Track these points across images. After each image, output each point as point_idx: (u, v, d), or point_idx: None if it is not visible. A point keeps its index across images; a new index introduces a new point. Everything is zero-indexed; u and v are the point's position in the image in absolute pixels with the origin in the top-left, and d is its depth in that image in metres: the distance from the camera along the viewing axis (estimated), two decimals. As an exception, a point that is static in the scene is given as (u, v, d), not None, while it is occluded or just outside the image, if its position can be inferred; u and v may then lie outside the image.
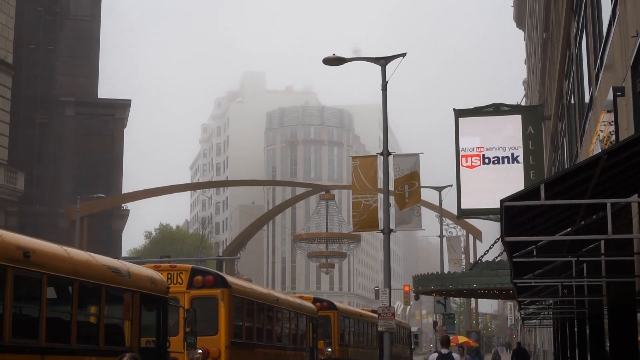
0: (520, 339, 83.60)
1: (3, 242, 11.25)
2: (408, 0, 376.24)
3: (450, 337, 56.80)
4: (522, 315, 38.73)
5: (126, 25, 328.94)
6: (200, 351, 18.26)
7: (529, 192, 9.63)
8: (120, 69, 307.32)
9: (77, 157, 63.58)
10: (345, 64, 28.24)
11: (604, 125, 12.81)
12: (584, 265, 16.74)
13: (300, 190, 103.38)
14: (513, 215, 10.18)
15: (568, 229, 12.51)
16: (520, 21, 61.63)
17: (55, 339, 12.20)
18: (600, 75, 14.27)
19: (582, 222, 12.23)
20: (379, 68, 28.10)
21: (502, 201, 9.30)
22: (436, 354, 21.14)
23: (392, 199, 29.29)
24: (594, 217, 12.62)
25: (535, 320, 49.23)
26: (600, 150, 12.17)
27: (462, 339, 57.53)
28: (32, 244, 12.06)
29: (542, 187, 9.04)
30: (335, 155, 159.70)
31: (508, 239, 10.31)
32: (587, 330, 21.35)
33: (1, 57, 47.89)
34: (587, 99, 17.17)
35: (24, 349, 11.50)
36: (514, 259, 12.61)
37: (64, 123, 63.83)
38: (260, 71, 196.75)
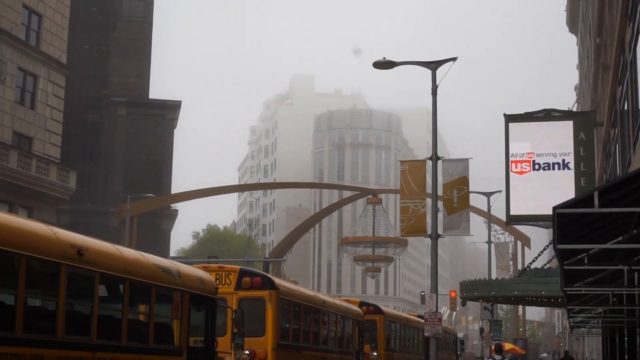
0: (567, 348, 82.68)
1: (57, 240, 11.44)
2: (457, 4, 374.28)
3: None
4: (570, 324, 38.30)
5: (177, 27, 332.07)
6: (247, 352, 18.38)
7: (582, 200, 9.56)
8: (171, 70, 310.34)
9: (128, 156, 64.35)
10: (395, 68, 28.21)
11: (659, 132, 12.64)
12: (636, 274, 16.53)
13: (347, 194, 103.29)
14: (565, 222, 10.11)
15: (620, 237, 12.37)
16: (573, 26, 60.99)
17: (106, 336, 12.37)
18: (656, 82, 14.09)
19: (635, 231, 12.09)
20: (428, 72, 28.03)
21: (554, 208, 9.25)
22: None
23: (440, 204, 29.18)
24: (647, 225, 12.46)
25: (583, 329, 48.63)
26: (654, 158, 12.01)
27: (508, 346, 57.05)
28: (85, 242, 12.23)
29: (595, 194, 8.97)
30: (382, 159, 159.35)
31: (560, 246, 10.25)
32: (638, 340, 21.06)
33: (55, 57, 48.64)
34: (641, 106, 16.95)
35: (76, 346, 11.67)
36: (565, 267, 12.50)
37: (115, 123, 64.67)
38: (309, 74, 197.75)
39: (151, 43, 70.32)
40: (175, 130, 68.05)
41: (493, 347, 52.32)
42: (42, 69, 47.46)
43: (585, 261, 12.56)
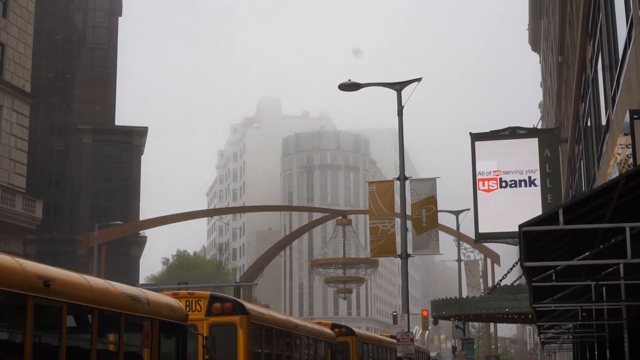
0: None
1: (23, 272, 11.31)
2: (421, 24, 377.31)
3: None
4: (541, 340, 38.46)
5: (142, 53, 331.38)
6: (219, 378, 18.23)
7: (547, 217, 9.63)
8: (136, 96, 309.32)
9: (95, 184, 63.95)
10: (361, 89, 28.36)
11: (622, 148, 12.80)
12: (604, 289, 16.65)
13: (317, 216, 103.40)
14: (532, 239, 10.18)
15: (587, 253, 12.47)
16: (535, 44, 61.70)
17: (75, 368, 12.22)
18: (617, 97, 14.28)
19: (601, 246, 12.20)
20: (394, 93, 28.20)
21: (520, 226, 9.31)
22: None
23: (409, 224, 29.27)
24: (612, 240, 12.57)
25: (555, 345, 48.84)
26: (617, 173, 12.16)
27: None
28: (52, 272, 12.11)
29: (560, 211, 9.04)
30: (351, 180, 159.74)
31: (527, 264, 10.31)
32: (608, 354, 21.19)
33: (20, 86, 48.31)
34: (604, 122, 17.17)
35: (45, 378, 11.52)
36: (533, 284, 12.58)
37: (81, 150, 64.28)
38: (275, 97, 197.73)
39: (116, 70, 70.17)
40: (142, 156, 67.79)
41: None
42: (5, 99, 47.09)
43: (553, 277, 12.64)
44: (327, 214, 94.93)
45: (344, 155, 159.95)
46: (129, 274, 58.92)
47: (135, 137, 66.35)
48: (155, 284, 67.90)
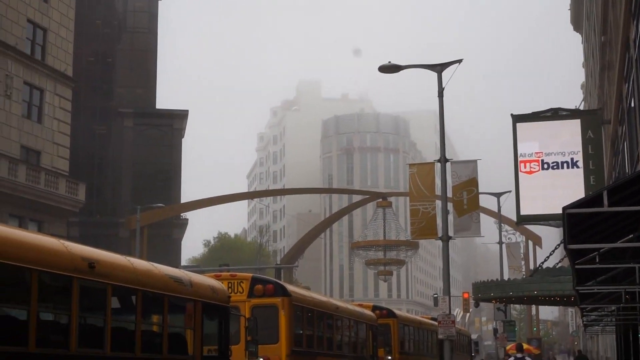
0: (582, 346, 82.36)
1: (68, 254, 11.46)
2: (463, 6, 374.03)
3: (511, 345, 56.33)
4: (584, 322, 38.19)
5: (182, 36, 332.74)
6: (261, 359, 18.37)
7: (591, 199, 9.54)
8: (177, 79, 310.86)
9: (136, 167, 64.44)
10: (401, 72, 28.20)
11: (667, 129, 12.62)
12: (648, 271, 16.47)
13: (357, 198, 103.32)
14: (575, 222, 10.10)
15: (631, 235, 12.35)
16: (577, 24, 60.89)
17: (119, 348, 12.36)
18: (662, 78, 14.06)
19: (646, 228, 12.07)
20: (434, 75, 28.02)
21: (564, 208, 9.24)
22: (512, 358, 25.01)
23: (450, 206, 29.15)
24: (657, 222, 12.43)
25: (597, 327, 48.50)
26: (663, 155, 11.99)
27: (523, 346, 56.83)
28: (96, 254, 12.25)
29: (605, 193, 8.96)
30: (391, 162, 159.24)
31: (571, 246, 10.24)
32: (652, 338, 20.99)
33: (61, 70, 48.81)
34: (648, 103, 16.92)
35: (90, 359, 11.69)
36: (577, 266, 12.49)
37: (123, 134, 64.80)
38: (315, 79, 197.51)
39: (156, 53, 70.50)
40: (183, 139, 68.14)
41: (512, 346, 52.08)
42: (48, 83, 47.62)
43: (597, 260, 12.54)
44: (367, 196, 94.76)
45: (383, 138, 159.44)
46: (171, 256, 59.42)
47: (176, 120, 66.69)
48: (197, 266, 68.52)
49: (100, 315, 12.19)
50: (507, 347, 55.49)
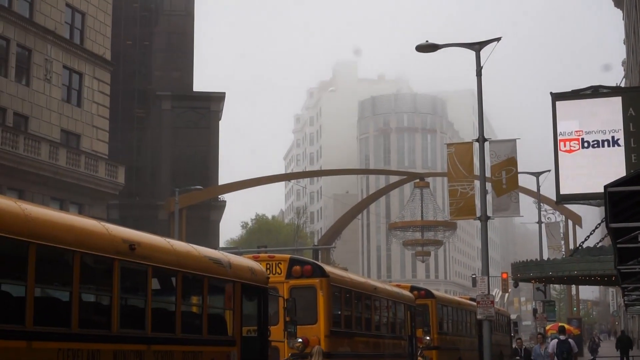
0: (622, 326, 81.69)
1: (109, 235, 11.57)
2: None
3: (551, 325, 56.00)
4: (625, 302, 37.90)
5: (218, 19, 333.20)
6: (300, 340, 18.45)
7: (633, 178, 9.42)
8: (214, 62, 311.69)
9: (175, 150, 64.79)
10: (438, 50, 28.00)
11: None
12: (691, 250, 16.26)
13: (394, 179, 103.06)
14: (617, 200, 9.99)
15: (674, 214, 12.18)
16: (618, 0, 60.02)
17: (160, 329, 12.49)
18: None
19: (689, 207, 11.90)
20: (472, 53, 27.78)
21: (606, 187, 9.14)
22: (556, 340, 25.49)
23: (489, 186, 28.97)
24: (701, 201, 12.25)
25: (639, 307, 48.12)
26: None
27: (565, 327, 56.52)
28: (136, 236, 12.36)
29: (647, 171, 8.82)
30: (428, 142, 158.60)
31: (613, 225, 10.13)
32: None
33: (100, 54, 49.16)
34: (691, 79, 16.65)
35: (132, 339, 11.81)
36: (619, 245, 12.36)
37: (161, 117, 65.17)
38: (351, 60, 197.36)
39: (193, 36, 70.71)
40: (220, 121, 68.38)
41: (551, 327, 51.72)
42: (87, 67, 48.00)
43: (639, 239, 12.40)
44: (405, 176, 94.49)
45: (420, 118, 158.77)
46: (209, 237, 59.77)
47: (213, 102, 66.90)
48: (235, 248, 68.90)
49: (141, 296, 12.32)
50: (547, 327, 55.25)
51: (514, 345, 26.86)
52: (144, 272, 12.16)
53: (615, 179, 9.82)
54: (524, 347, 27.92)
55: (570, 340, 26.00)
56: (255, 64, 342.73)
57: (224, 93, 67.43)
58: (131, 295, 12.49)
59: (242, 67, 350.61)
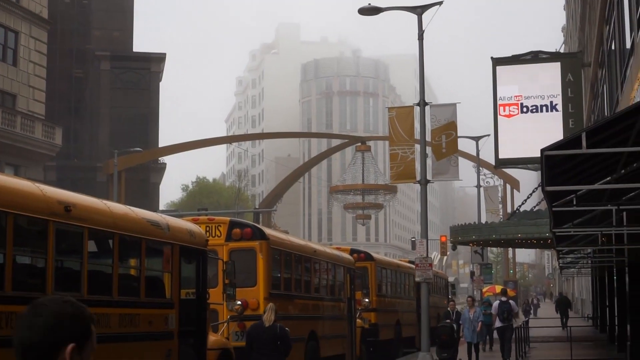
0: (557, 288, 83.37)
1: (44, 197, 11.36)
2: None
3: (487, 287, 56.87)
4: (560, 265, 38.66)
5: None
6: (239, 302, 18.43)
7: (569, 141, 9.51)
8: (155, 22, 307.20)
9: (114, 111, 63.88)
10: (381, 14, 27.95)
11: (646, 71, 12.57)
12: (624, 213, 16.59)
13: (336, 142, 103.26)
14: (553, 164, 10.08)
15: (608, 178, 12.38)
16: (558, -33, 60.42)
17: (96, 292, 12.35)
18: (642, 20, 13.97)
19: (623, 171, 12.09)
20: (415, 17, 27.77)
21: (542, 150, 9.20)
22: (498, 301, 27.53)
23: (429, 150, 29.15)
24: (634, 165, 12.46)
25: (573, 270, 49.16)
26: (642, 98, 11.95)
27: (499, 288, 57.54)
28: (72, 198, 12.16)
29: (583, 135, 8.92)
30: (370, 106, 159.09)
31: (548, 188, 10.23)
32: (627, 279, 21.24)
33: (36, 12, 48.04)
34: (628, 45, 16.86)
35: (67, 302, 11.63)
36: (554, 208, 12.52)
37: (99, 77, 64.11)
38: (294, 22, 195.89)
39: (133, -5, 69.43)
40: (160, 83, 67.53)
41: (489, 289, 52.58)
42: (23, 25, 46.89)
43: (574, 202, 12.58)
44: (346, 140, 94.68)
45: (363, 82, 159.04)
46: (149, 200, 59.27)
47: (154, 63, 65.99)
48: (175, 211, 68.42)
49: (77, 258, 12.15)
50: (484, 290, 56.15)
51: (448, 309, 27.10)
52: (80, 234, 11.98)
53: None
54: (455, 309, 28.06)
55: (510, 301, 27.93)
56: (197, 25, 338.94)
57: (165, 54, 66.59)
58: (67, 258, 12.32)
59: (183, 28, 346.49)
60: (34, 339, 2.79)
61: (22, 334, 2.81)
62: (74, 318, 2.86)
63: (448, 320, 25.71)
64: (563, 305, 47.56)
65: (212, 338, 16.11)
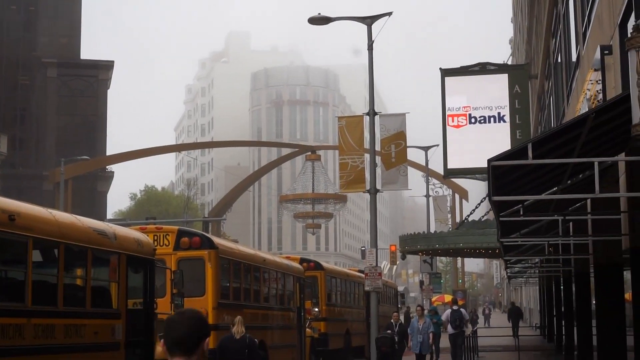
0: (506, 298, 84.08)
1: (-13, 205, 11.15)
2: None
3: (436, 296, 57.21)
4: (508, 274, 39.04)
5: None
6: (187, 312, 18.26)
7: (516, 152, 9.60)
8: (102, 29, 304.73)
9: (61, 118, 63.14)
10: (331, 23, 28.01)
11: (591, 84, 12.76)
12: (570, 224, 16.79)
13: (286, 151, 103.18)
14: (500, 174, 10.16)
15: (555, 188, 12.51)
16: (506, -21, 61.17)
17: (41, 302, 12.15)
18: (588, 33, 14.19)
19: (569, 181, 12.24)
20: (364, 27, 27.88)
21: (489, 161, 9.27)
22: (450, 310, 28.58)
23: (378, 159, 29.24)
24: (580, 176, 12.62)
25: (521, 279, 49.70)
26: (587, 109, 12.13)
27: (448, 297, 57.91)
28: (16, 206, 11.96)
29: (529, 146, 9.00)
30: (320, 115, 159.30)
31: (495, 198, 10.30)
32: (573, 289, 21.48)
33: (-18, 18, 47.34)
34: (574, 58, 17.10)
35: (10, 312, 11.44)
36: (501, 218, 12.61)
37: (46, 85, 63.32)
38: (244, 31, 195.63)
39: (81, 2, 68.80)
40: (108, 90, 66.95)
41: (437, 298, 52.87)
42: (-32, 30, 46.15)
43: (521, 212, 12.69)
44: (296, 149, 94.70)
45: (313, 91, 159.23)
46: (96, 209, 58.66)
47: (102, 71, 65.41)
48: (123, 219, 67.68)
49: (21, 268, 11.94)
50: (433, 299, 56.45)
51: (391, 320, 26.49)
52: (24, 244, 11.77)
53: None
54: (400, 321, 26.78)
55: (462, 309, 29.40)
56: (147, 32, 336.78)
57: (113, 61, 66.09)
58: (10, 267, 12.10)
59: (132, 34, 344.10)
60: (187, 334, 4.03)
61: (175, 331, 4.04)
62: (205, 321, 4.22)
63: (389, 331, 24.72)
64: (514, 314, 48.02)
65: (160, 349, 15.94)
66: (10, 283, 11.96)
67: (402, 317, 36.70)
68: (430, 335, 25.60)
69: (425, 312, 28.60)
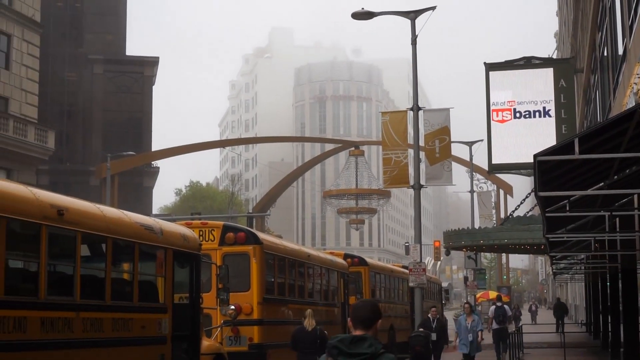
0: (551, 294, 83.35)
1: (37, 201, 11.33)
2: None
3: (481, 293, 56.87)
4: (553, 270, 38.68)
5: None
6: (232, 307, 18.40)
7: (562, 147, 9.53)
8: (147, 25, 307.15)
9: (107, 115, 63.78)
10: (374, 18, 28.01)
11: (638, 77, 12.61)
12: (617, 219, 16.61)
13: (329, 147, 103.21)
14: (546, 169, 10.10)
15: (601, 184, 12.40)
16: (551, -28, 60.52)
17: (89, 296, 12.32)
18: (634, 26, 14.02)
19: (616, 177, 12.11)
20: (408, 22, 27.84)
21: (535, 156, 9.22)
22: (494, 306, 29.60)
23: (422, 155, 29.17)
24: (627, 171, 12.48)
25: (567, 275, 49.21)
26: (634, 104, 11.98)
27: (492, 294, 57.57)
28: (65, 202, 12.13)
29: (576, 141, 8.93)
30: (364, 110, 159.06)
31: (541, 193, 10.24)
32: (620, 285, 21.26)
33: (29, 16, 47.95)
34: (620, 51, 16.90)
35: (59, 306, 11.62)
36: (547, 214, 12.53)
37: (92, 81, 63.99)
38: (288, 27, 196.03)
39: (126, -1, 69.37)
40: (153, 86, 67.45)
41: (482, 295, 52.57)
42: (15, 28, 46.79)
43: (567, 208, 12.59)
44: (340, 145, 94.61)
45: (356, 86, 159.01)
46: (142, 204, 59.17)
47: (147, 67, 65.92)
48: (169, 215, 68.37)
49: (70, 262, 12.12)
50: (477, 295, 56.16)
51: (429, 315, 23.79)
52: (73, 238, 11.95)
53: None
54: (437, 317, 23.85)
55: (505, 306, 30.65)
56: (191, 28, 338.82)
57: (158, 58, 66.52)
58: (59, 262, 12.28)
59: (177, 31, 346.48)
60: (369, 315, 5.39)
61: (360, 312, 5.41)
62: (379, 308, 5.53)
63: (422, 329, 22.48)
64: (560, 311, 47.69)
65: (206, 343, 16.07)
66: (59, 277, 12.13)
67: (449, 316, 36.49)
68: (479, 334, 22.65)
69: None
